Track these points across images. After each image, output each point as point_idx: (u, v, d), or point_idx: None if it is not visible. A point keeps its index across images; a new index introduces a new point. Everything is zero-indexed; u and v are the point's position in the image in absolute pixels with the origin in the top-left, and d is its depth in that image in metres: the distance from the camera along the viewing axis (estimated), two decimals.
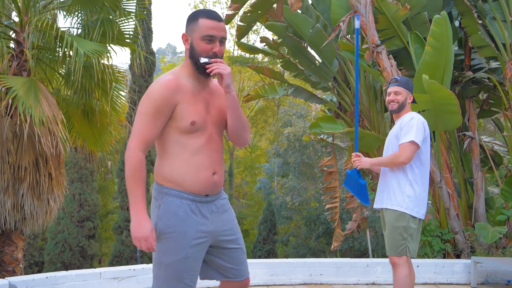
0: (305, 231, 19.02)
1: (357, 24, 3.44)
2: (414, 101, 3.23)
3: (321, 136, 8.81)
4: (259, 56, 24.33)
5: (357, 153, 3.32)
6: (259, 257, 17.97)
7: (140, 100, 1.99)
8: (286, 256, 18.60)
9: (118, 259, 15.69)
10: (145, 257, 15.90)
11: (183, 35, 2.00)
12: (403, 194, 3.00)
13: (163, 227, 1.94)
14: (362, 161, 3.21)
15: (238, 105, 2.06)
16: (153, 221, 1.95)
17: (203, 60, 1.96)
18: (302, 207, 18.44)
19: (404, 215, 2.97)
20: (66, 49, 5.66)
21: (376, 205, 3.21)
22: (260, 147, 31.59)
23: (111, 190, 23.99)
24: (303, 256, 16.83)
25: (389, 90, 3.21)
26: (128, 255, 15.83)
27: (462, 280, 4.70)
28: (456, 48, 7.21)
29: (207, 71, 1.97)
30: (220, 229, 2.08)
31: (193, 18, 1.98)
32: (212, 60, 1.95)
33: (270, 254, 19.38)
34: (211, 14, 1.97)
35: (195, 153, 1.99)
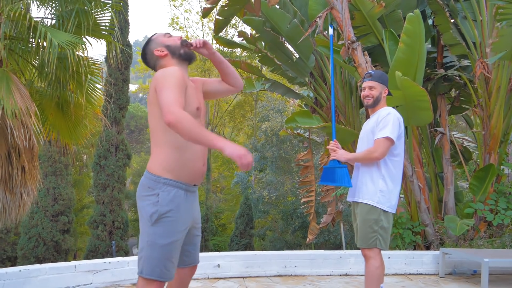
0: (282, 225, 19.18)
1: (331, 31, 3.46)
2: (389, 94, 3.26)
3: (298, 131, 8.90)
4: (238, 51, 24.29)
5: (335, 140, 3.34)
6: (236, 251, 18.02)
7: (160, 85, 2.07)
8: (263, 250, 18.75)
9: (94, 254, 15.53)
10: (121, 251, 15.80)
11: (155, 51, 2.28)
12: (376, 189, 3.04)
13: (163, 212, 2.07)
14: (338, 153, 3.22)
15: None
16: (152, 207, 2.07)
17: (184, 40, 2.29)
18: (279, 201, 18.58)
19: (375, 209, 3.02)
20: (39, 40, 5.55)
21: (348, 198, 3.26)
22: (238, 142, 31.61)
23: (86, 185, 23.66)
24: (280, 249, 16.97)
25: (363, 85, 3.22)
26: (104, 249, 15.68)
27: (431, 271, 4.85)
28: (429, 46, 7.38)
29: (193, 46, 2.28)
30: (196, 217, 2.28)
31: (149, 42, 2.33)
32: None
33: (247, 248, 19.48)
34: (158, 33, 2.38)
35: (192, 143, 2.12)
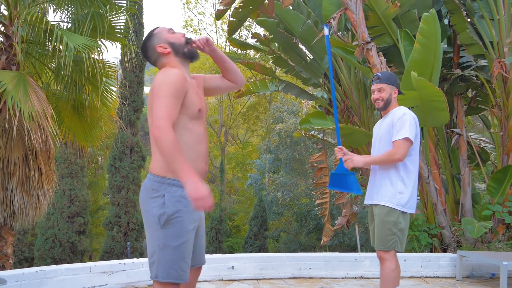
0: (296, 227, 19.12)
1: (326, 31, 3.42)
2: (400, 93, 3.21)
3: (312, 132, 8.86)
4: (251, 52, 24.32)
5: (340, 146, 3.27)
6: (250, 253, 18.03)
7: (155, 92, 2.05)
8: (277, 252, 18.71)
9: (109, 255, 15.65)
10: (136, 252, 15.91)
11: (158, 47, 2.21)
12: (395, 190, 3.00)
13: (170, 213, 2.03)
14: (355, 160, 3.13)
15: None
16: (158, 209, 2.03)
17: (188, 38, 2.25)
18: (293, 203, 18.52)
19: (395, 211, 2.98)
20: (56, 43, 5.62)
21: (366, 201, 3.21)
22: (251, 143, 31.60)
23: (102, 186, 23.90)
24: (294, 251, 16.93)
25: (372, 88, 3.18)
26: (119, 250, 15.80)
27: (448, 274, 4.78)
28: (445, 46, 7.28)
29: (194, 44, 2.24)
30: (202, 216, 2.24)
31: (151, 36, 2.26)
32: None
33: (261, 249, 19.46)
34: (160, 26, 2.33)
35: (198, 142, 2.14)
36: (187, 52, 2.22)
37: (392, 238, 2.99)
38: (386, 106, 3.13)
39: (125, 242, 16.04)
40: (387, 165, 3.05)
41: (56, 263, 14.25)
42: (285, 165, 18.45)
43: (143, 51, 2.29)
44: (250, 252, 18.54)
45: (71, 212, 15.94)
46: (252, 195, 24.46)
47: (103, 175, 23.87)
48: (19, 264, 15.90)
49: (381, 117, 3.23)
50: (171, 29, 2.27)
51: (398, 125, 2.99)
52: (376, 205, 3.10)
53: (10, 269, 6.00)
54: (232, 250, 21.29)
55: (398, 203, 2.99)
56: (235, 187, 30.66)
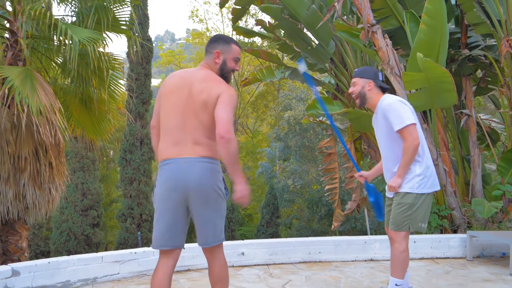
0: (308, 214, 19.19)
1: (302, 68, 3.43)
2: (380, 86, 3.15)
3: (320, 118, 8.84)
4: (258, 40, 24.22)
5: (360, 173, 3.38)
6: None
7: (227, 99, 2.37)
8: None
9: (123, 246, 15.88)
10: (149, 243, 16.10)
11: (217, 52, 2.49)
12: (412, 175, 3.00)
13: (225, 187, 2.47)
14: (396, 185, 3.02)
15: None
16: (221, 184, 2.43)
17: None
18: (304, 190, 18.57)
19: (411, 194, 2.98)
20: (61, 38, 5.66)
21: (388, 194, 3.21)
22: (261, 132, 31.62)
23: (114, 179, 24.13)
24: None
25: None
26: (133, 242, 16.03)
27: (458, 254, 4.78)
28: (453, 26, 7.19)
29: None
30: None
31: (227, 41, 2.54)
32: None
33: (274, 236, 19.56)
34: (238, 43, 2.62)
35: None
36: (226, 77, 2.55)
37: (406, 220, 2.99)
38: (363, 99, 3.14)
39: (138, 234, 16.26)
40: (397, 153, 3.04)
41: None
42: (295, 153, 18.46)
43: (214, 41, 2.55)
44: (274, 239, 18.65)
45: (84, 205, 16.17)
46: (263, 184, 24.54)
47: (115, 168, 24.09)
48: (35, 258, 16.20)
49: None
50: (239, 58, 2.61)
51: (392, 116, 2.97)
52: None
53: None
54: (245, 239, 21.42)
55: (419, 186, 2.99)
56: (246, 176, 30.77)
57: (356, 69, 3.25)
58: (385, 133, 3.11)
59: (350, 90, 3.20)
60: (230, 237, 19.81)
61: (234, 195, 2.31)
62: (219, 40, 2.55)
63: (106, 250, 19.41)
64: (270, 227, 19.78)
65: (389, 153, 3.14)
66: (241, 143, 31.53)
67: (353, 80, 3.20)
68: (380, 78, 3.24)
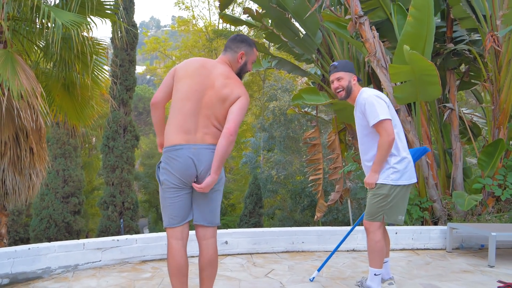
0: (291, 204, 19.27)
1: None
2: (359, 80, 3.23)
3: (305, 109, 8.86)
4: (245, 29, 24.07)
5: None
6: None
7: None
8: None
9: (105, 234, 15.77)
10: (131, 231, 16.02)
11: (242, 53, 2.63)
12: (388, 166, 3.04)
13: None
14: (371, 181, 3.08)
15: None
16: (223, 169, 2.58)
17: None
18: (287, 180, 18.62)
19: (385, 185, 3.03)
20: (43, 20, 5.53)
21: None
22: (246, 122, 31.56)
23: (96, 166, 23.86)
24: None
25: (331, 78, 3.21)
26: (114, 229, 15.92)
27: (438, 246, 4.86)
28: (439, 20, 7.24)
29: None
30: None
31: (251, 45, 2.68)
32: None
33: (256, 226, 19.63)
34: (257, 47, 2.81)
35: None
36: (241, 76, 2.71)
37: (379, 211, 3.06)
38: (348, 94, 3.16)
39: (119, 221, 16.14)
40: (373, 147, 3.08)
41: None
42: (280, 143, 18.48)
43: (239, 40, 2.66)
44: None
45: (65, 192, 15.97)
46: (247, 174, 24.55)
47: (97, 155, 23.81)
48: (14, 244, 15.98)
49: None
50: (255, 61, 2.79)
51: (368, 111, 3.01)
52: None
53: None
54: (227, 228, 21.46)
55: (389, 178, 3.04)
56: (230, 166, 30.73)
57: (335, 63, 3.21)
58: (362, 127, 3.15)
59: (336, 85, 3.16)
60: None
61: (204, 182, 2.43)
62: (245, 42, 2.67)
63: (87, 237, 19.24)
64: (253, 217, 19.84)
65: (365, 148, 3.19)
66: None
67: (338, 74, 3.15)
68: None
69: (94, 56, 6.29)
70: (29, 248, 3.42)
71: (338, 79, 3.15)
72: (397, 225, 5.44)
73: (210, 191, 2.53)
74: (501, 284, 3.55)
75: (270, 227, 20.45)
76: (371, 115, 2.99)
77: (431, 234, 4.88)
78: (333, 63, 3.27)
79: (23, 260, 3.36)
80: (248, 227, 19.38)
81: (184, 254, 2.52)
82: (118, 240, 3.92)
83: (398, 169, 3.03)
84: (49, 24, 5.46)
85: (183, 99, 2.47)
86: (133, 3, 16.72)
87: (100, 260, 3.79)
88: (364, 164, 3.22)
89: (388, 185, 3.03)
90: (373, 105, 2.99)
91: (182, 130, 2.45)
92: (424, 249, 4.84)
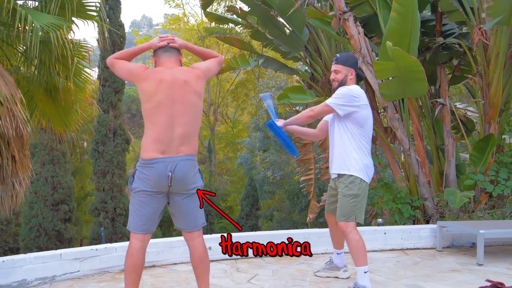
0: (288, 205, 19.29)
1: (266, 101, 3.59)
2: (359, 76, 3.39)
3: (297, 108, 8.88)
4: (237, 27, 24.06)
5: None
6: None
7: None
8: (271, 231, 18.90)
9: (97, 241, 15.76)
10: (124, 238, 16.02)
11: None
12: (360, 163, 3.21)
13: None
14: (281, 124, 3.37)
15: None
16: (202, 181, 2.83)
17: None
18: (284, 181, 18.65)
19: (356, 179, 3.18)
20: (20, 24, 5.54)
21: (331, 183, 3.47)
22: (241, 122, 31.56)
23: (88, 172, 23.80)
24: (287, 230, 17.10)
25: (332, 68, 3.38)
26: (107, 236, 15.92)
27: (428, 245, 4.89)
28: (429, 13, 7.26)
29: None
30: None
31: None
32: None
33: (254, 229, 19.69)
34: None
35: None
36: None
37: (352, 210, 3.18)
38: (340, 86, 3.32)
39: (113, 228, 16.16)
40: (342, 138, 3.25)
41: None
42: (275, 143, 18.50)
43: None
44: (243, 232, 18.72)
45: (55, 199, 15.96)
46: (243, 175, 24.57)
47: (89, 160, 23.77)
48: (4, 255, 15.97)
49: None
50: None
51: (336, 93, 3.24)
52: (339, 175, 3.29)
53: None
54: (225, 232, 21.47)
55: (361, 174, 3.20)
56: (227, 167, 30.75)
57: (338, 55, 3.36)
58: (334, 120, 3.33)
59: (333, 76, 3.33)
60: (209, 230, 19.86)
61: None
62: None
63: (81, 245, 19.23)
64: (250, 219, 19.88)
65: (334, 141, 3.34)
66: (221, 133, 31.45)
67: (336, 67, 3.31)
68: (358, 66, 3.44)
69: (76, 59, 6.30)
70: (3, 261, 3.44)
71: (336, 71, 3.33)
72: (388, 224, 5.48)
73: (187, 199, 2.74)
74: (489, 283, 3.58)
75: (268, 229, 20.48)
76: (334, 96, 3.21)
77: (421, 233, 4.91)
78: (336, 54, 3.48)
79: None
80: (245, 230, 19.41)
81: (141, 255, 2.72)
82: (97, 249, 3.94)
83: (367, 166, 3.24)
84: (27, 28, 5.46)
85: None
86: (119, 3, 16.69)
87: (79, 271, 3.81)
88: (332, 157, 3.39)
89: (358, 179, 3.19)
90: (338, 93, 3.19)
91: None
92: (414, 248, 4.87)
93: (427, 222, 5.89)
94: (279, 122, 3.34)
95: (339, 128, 3.26)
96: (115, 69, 2.83)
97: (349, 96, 3.16)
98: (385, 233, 4.83)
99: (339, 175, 3.29)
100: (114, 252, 4.00)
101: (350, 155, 3.20)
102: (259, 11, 7.20)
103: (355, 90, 3.20)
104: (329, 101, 3.21)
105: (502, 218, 5.41)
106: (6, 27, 6.10)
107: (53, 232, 15.66)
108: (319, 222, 15.29)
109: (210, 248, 4.41)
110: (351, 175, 3.19)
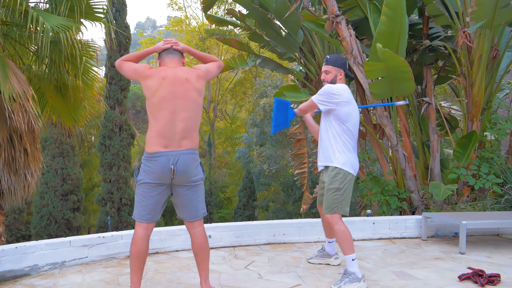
0: (283, 197, 19.32)
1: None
2: (348, 76, 3.36)
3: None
4: (235, 29, 23.97)
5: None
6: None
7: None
8: (267, 220, 18.99)
9: (103, 229, 15.78)
10: (129, 226, 16.04)
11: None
12: (345, 156, 3.19)
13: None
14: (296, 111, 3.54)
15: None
16: (203, 173, 2.82)
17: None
18: (279, 173, 18.66)
19: (339, 173, 3.15)
20: (31, 25, 5.51)
21: (319, 168, 3.41)
22: (239, 118, 31.54)
23: (96, 164, 23.77)
24: (282, 219, 17.18)
25: (322, 69, 3.35)
26: (113, 225, 15.93)
27: (414, 234, 4.91)
28: (416, 17, 7.26)
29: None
30: None
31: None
32: None
33: (250, 219, 19.73)
34: None
35: None
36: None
37: (335, 203, 3.17)
38: None
39: (119, 217, 16.16)
40: (327, 134, 3.26)
41: None
42: (271, 138, 18.50)
43: None
44: (240, 221, 18.77)
45: (64, 190, 15.95)
46: (240, 168, 24.58)
47: (97, 153, 23.72)
48: (16, 241, 15.96)
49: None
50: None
51: (320, 90, 3.23)
52: (324, 168, 3.30)
53: None
54: (224, 221, 21.53)
55: (337, 162, 3.18)
56: (226, 161, 30.74)
57: (328, 56, 3.35)
58: (322, 116, 3.31)
59: (323, 77, 3.30)
60: (208, 219, 19.90)
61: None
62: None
63: (89, 233, 19.23)
64: (247, 210, 19.91)
65: (321, 135, 3.33)
66: (220, 128, 31.43)
67: (326, 68, 3.29)
68: (347, 66, 3.43)
69: (84, 58, 6.28)
70: (16, 247, 3.43)
71: (326, 72, 3.31)
72: (377, 215, 5.48)
73: (189, 191, 2.74)
74: (470, 271, 3.59)
75: (264, 218, 20.54)
76: (318, 92, 3.22)
77: (407, 224, 4.93)
78: (326, 56, 3.48)
79: (11, 258, 3.38)
80: (242, 219, 19.45)
81: (146, 243, 2.74)
82: (104, 237, 3.93)
83: (352, 160, 3.23)
84: (38, 28, 5.44)
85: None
86: (125, 5, 16.60)
87: (87, 257, 3.81)
88: (320, 151, 3.37)
89: (342, 171, 3.16)
90: (323, 91, 3.19)
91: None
92: (401, 238, 4.89)
93: (413, 213, 5.91)
94: (295, 107, 3.38)
95: (325, 124, 3.26)
96: (122, 70, 2.81)
97: (328, 93, 3.15)
98: (373, 223, 4.84)
99: (325, 167, 3.29)
100: (120, 240, 4.00)
101: (335, 149, 3.19)
102: (257, 14, 7.18)
103: (335, 88, 3.16)
104: (313, 97, 3.24)
105: (483, 209, 5.43)
106: (18, 27, 6.08)
107: (63, 220, 15.66)
108: (312, 212, 15.32)
109: (210, 236, 4.42)
110: (336, 167, 3.17)
